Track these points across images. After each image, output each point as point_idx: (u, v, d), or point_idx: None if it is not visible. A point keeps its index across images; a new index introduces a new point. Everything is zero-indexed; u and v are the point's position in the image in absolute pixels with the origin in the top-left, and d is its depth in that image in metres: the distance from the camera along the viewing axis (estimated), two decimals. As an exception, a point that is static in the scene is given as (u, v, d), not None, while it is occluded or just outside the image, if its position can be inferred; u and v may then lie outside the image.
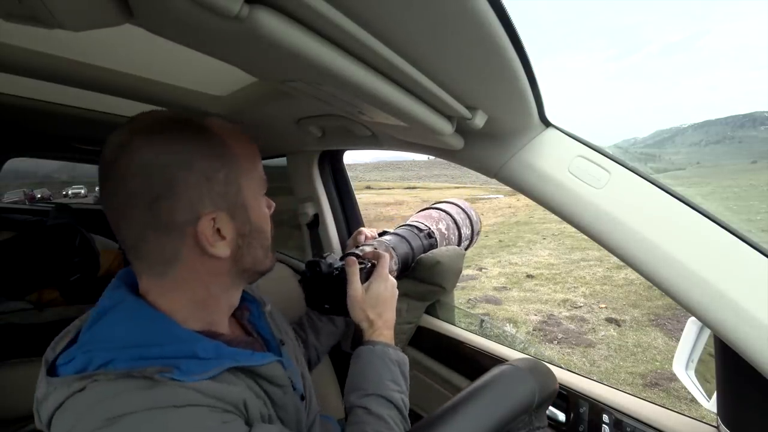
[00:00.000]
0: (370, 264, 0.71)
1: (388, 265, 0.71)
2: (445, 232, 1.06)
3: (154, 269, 0.46)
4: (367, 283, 0.68)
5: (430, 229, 1.02)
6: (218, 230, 0.45)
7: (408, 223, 1.06)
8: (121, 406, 0.36)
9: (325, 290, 0.72)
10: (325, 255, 0.73)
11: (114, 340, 0.42)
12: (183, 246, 0.45)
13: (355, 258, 0.70)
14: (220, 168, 0.45)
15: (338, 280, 0.69)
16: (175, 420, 0.37)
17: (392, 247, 0.89)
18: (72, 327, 0.47)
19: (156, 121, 0.45)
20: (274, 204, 0.55)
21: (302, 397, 0.58)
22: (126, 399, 0.37)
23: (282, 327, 0.66)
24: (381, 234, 1.03)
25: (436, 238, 1.03)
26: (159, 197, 0.42)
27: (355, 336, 1.15)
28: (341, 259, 0.75)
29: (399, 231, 1.00)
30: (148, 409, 0.36)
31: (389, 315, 0.67)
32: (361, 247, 0.85)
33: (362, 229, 0.93)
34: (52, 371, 0.42)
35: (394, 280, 0.71)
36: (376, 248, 0.86)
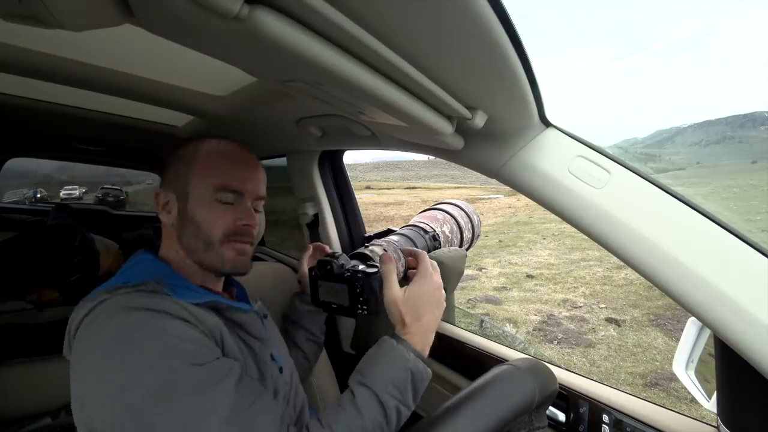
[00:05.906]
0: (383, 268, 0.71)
1: (430, 264, 0.66)
2: (449, 235, 1.06)
3: None
4: (409, 284, 0.63)
5: (435, 231, 1.02)
6: (167, 203, 0.62)
7: (413, 223, 1.06)
8: (136, 302, 0.49)
9: (336, 291, 0.72)
10: (336, 255, 0.73)
11: (129, 279, 0.56)
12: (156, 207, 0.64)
13: (390, 255, 0.65)
14: (180, 164, 0.61)
15: (349, 281, 0.69)
16: (172, 326, 0.48)
17: (399, 249, 0.89)
18: None
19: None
20: (244, 220, 0.62)
21: (280, 370, 0.64)
22: (138, 299, 0.50)
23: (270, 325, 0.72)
24: (387, 233, 1.03)
25: (440, 241, 1.02)
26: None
27: (356, 335, 1.15)
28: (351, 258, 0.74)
29: (404, 231, 0.99)
30: (152, 310, 0.49)
31: (429, 318, 0.61)
32: (370, 248, 0.85)
33: (318, 244, 0.92)
34: None
35: (440, 281, 0.65)
36: (384, 249, 0.86)
